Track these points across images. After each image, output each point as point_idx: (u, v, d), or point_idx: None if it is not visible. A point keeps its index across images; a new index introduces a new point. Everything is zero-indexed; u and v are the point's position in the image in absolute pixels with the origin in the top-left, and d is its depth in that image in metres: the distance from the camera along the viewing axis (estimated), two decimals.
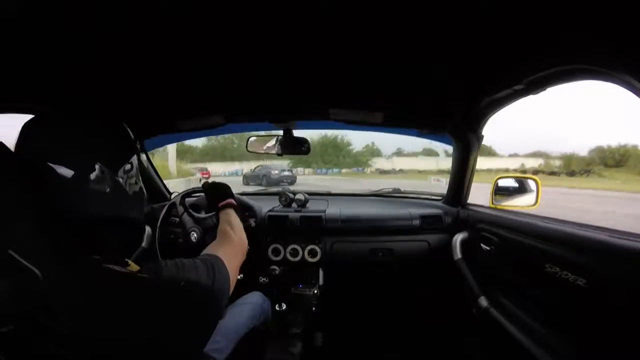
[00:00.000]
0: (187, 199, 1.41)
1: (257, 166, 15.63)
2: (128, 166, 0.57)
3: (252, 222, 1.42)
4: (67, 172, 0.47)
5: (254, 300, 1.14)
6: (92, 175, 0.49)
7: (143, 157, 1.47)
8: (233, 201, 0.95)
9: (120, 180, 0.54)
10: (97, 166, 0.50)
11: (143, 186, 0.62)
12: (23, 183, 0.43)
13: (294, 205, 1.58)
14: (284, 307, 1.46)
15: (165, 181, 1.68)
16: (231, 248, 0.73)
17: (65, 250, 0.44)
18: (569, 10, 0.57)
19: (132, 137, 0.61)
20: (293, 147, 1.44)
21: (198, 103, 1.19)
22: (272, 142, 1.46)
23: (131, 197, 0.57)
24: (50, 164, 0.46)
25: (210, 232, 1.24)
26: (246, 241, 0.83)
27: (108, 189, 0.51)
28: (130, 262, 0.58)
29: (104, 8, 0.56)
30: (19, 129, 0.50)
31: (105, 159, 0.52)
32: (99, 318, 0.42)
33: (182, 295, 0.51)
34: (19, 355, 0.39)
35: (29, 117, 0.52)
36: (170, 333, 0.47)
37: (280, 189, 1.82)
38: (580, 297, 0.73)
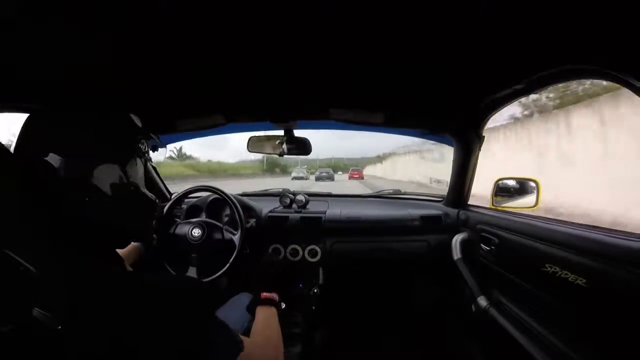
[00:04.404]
0: (186, 200, 1.42)
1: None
2: (132, 169, 0.53)
3: (252, 222, 1.42)
4: (66, 171, 0.46)
5: (241, 301, 1.11)
6: (92, 176, 0.48)
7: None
8: (274, 298, 0.84)
9: (123, 182, 0.51)
10: (98, 166, 0.48)
11: (149, 194, 0.58)
12: (22, 183, 0.43)
13: (295, 206, 1.58)
14: (284, 307, 1.46)
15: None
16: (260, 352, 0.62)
17: (63, 250, 0.44)
18: (569, 10, 0.57)
19: (141, 135, 0.57)
20: (294, 147, 1.44)
21: (198, 103, 1.19)
22: (274, 142, 1.46)
23: (134, 200, 0.54)
24: (49, 163, 0.45)
25: (213, 230, 1.24)
26: (279, 354, 0.68)
27: (109, 190, 0.49)
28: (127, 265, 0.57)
29: (103, 8, 0.56)
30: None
31: (107, 158, 0.50)
32: (97, 318, 0.41)
33: (178, 299, 0.50)
34: (18, 355, 0.39)
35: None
36: (168, 336, 0.47)
37: (280, 190, 1.82)
38: (580, 296, 0.73)
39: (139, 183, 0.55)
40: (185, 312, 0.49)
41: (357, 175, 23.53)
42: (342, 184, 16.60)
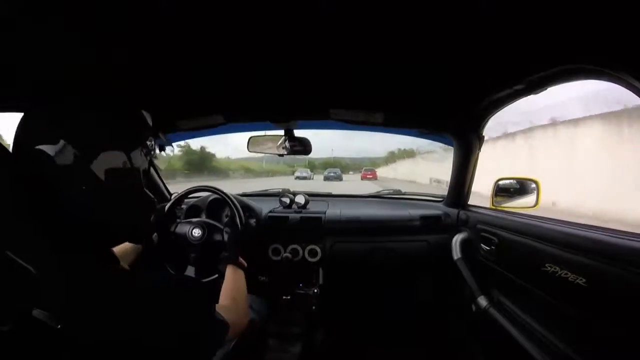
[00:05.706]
0: (187, 200, 1.42)
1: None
2: (137, 162, 0.52)
3: (252, 222, 1.42)
4: (63, 169, 0.45)
5: None
6: (93, 164, 0.46)
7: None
8: (244, 263, 0.90)
9: (126, 173, 0.50)
10: (100, 154, 0.47)
11: (149, 193, 0.56)
12: (19, 181, 0.43)
13: (295, 206, 1.58)
14: (284, 306, 1.46)
15: None
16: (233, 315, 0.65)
17: (62, 249, 0.44)
18: (569, 10, 0.57)
19: (147, 132, 0.56)
20: (294, 147, 1.44)
21: (198, 103, 1.19)
22: (274, 142, 1.46)
23: (133, 196, 0.53)
24: (46, 160, 0.44)
25: (213, 231, 1.24)
26: (246, 319, 0.74)
27: (108, 180, 0.48)
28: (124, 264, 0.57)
29: (104, 8, 0.56)
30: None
31: (112, 147, 0.49)
32: (95, 317, 0.41)
33: (175, 299, 0.50)
34: (18, 354, 0.39)
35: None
36: (167, 335, 0.47)
37: (280, 190, 1.82)
38: (580, 296, 0.73)
39: (141, 178, 0.54)
40: (183, 301, 0.50)
41: (371, 176, 22.87)
42: (356, 185, 14.77)
